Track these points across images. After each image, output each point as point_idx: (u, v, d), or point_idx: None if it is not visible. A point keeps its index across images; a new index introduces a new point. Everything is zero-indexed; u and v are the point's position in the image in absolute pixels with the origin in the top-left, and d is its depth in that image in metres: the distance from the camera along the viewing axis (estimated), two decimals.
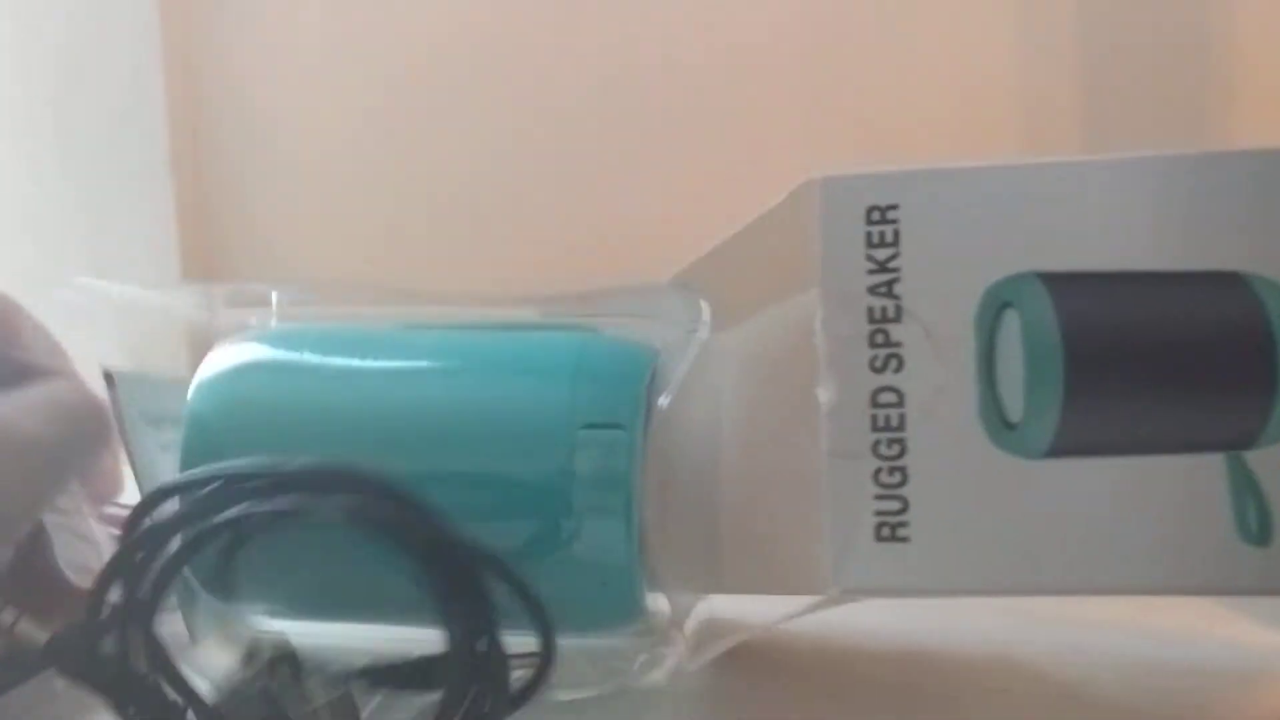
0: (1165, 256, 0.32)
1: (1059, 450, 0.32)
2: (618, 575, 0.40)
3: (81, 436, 0.42)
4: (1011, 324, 0.33)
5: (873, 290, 0.33)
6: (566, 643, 0.43)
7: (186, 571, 0.42)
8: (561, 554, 0.40)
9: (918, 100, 0.79)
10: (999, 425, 0.33)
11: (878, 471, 0.33)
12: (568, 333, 0.44)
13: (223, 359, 0.44)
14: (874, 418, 0.33)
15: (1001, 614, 0.54)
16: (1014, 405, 0.33)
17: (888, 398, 0.33)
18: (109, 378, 0.42)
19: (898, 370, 0.33)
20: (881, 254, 0.33)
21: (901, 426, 0.33)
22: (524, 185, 0.87)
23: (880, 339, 0.33)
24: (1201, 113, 0.75)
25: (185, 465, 0.42)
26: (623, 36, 0.84)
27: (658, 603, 0.43)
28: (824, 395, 0.33)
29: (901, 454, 0.33)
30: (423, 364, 0.43)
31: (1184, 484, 0.32)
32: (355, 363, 0.44)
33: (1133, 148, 0.70)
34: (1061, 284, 0.32)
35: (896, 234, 0.33)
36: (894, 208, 0.33)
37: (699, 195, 0.83)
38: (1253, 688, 0.47)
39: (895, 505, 0.33)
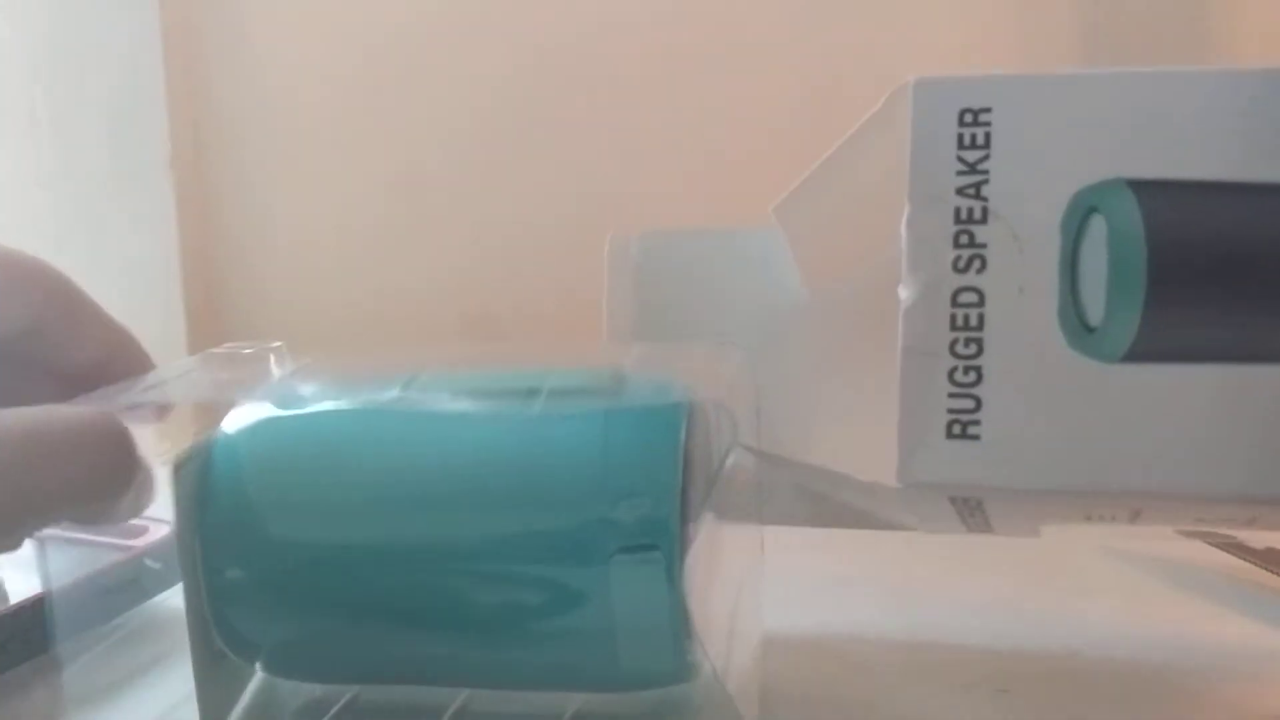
0: (1254, 168, 0.33)
1: (1136, 355, 0.33)
2: (660, 639, 0.40)
3: (70, 478, 0.36)
4: (1098, 229, 0.33)
5: (960, 191, 0.34)
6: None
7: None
8: (603, 625, 0.39)
9: None
10: (1078, 329, 0.33)
11: (953, 370, 0.33)
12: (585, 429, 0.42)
13: (241, 418, 0.44)
14: (953, 317, 0.33)
15: (1003, 611, 0.55)
16: (1095, 310, 0.33)
17: (968, 298, 0.33)
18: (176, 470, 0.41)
19: (980, 271, 0.33)
20: (971, 156, 0.34)
21: (980, 326, 0.33)
22: (523, 182, 0.87)
23: (965, 240, 0.33)
24: None
25: (211, 533, 0.41)
26: (620, 25, 0.85)
27: (704, 657, 0.42)
28: (904, 293, 0.34)
29: (978, 353, 0.33)
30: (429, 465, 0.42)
31: (1264, 394, 0.32)
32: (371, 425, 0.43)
33: None
34: (1149, 192, 0.33)
35: (988, 136, 0.34)
36: (987, 111, 0.34)
37: (702, 187, 0.83)
38: (1253, 688, 0.47)
39: (969, 404, 0.33)
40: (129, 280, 0.91)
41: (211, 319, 0.93)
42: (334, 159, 0.91)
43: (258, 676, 0.46)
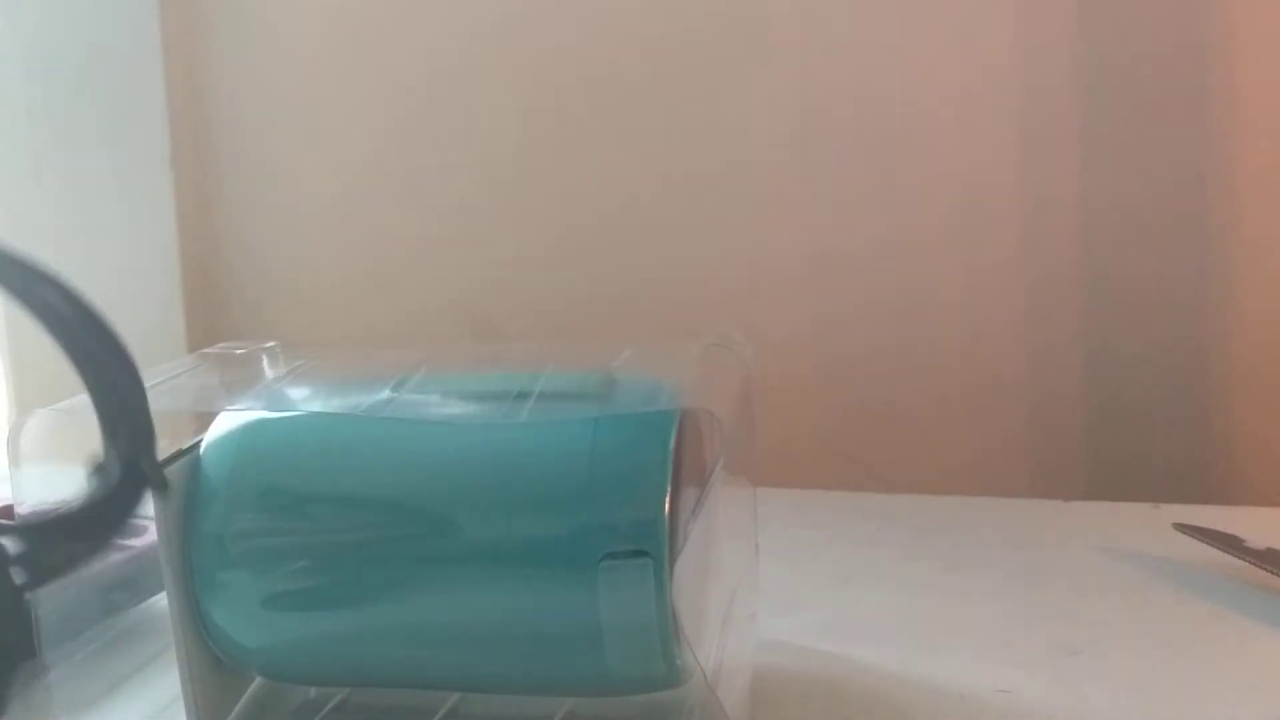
0: None
1: None
2: (651, 647, 0.39)
3: None
4: None
5: None
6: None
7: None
8: (591, 630, 0.39)
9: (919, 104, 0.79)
10: None
11: None
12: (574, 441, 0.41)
13: (230, 424, 0.43)
14: None
15: (1003, 611, 0.55)
16: None
17: None
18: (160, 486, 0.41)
19: None
20: None
21: None
22: (524, 182, 0.87)
23: None
24: (1202, 114, 0.76)
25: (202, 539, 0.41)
26: (622, 34, 0.85)
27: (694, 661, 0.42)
28: None
29: None
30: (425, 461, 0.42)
31: None
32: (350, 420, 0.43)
33: (1131, 147, 0.72)
34: None
35: None
36: None
37: (696, 185, 0.83)
38: (1253, 688, 0.47)
39: None
40: (129, 279, 0.91)
41: (211, 318, 0.92)
42: (334, 159, 0.91)
43: (256, 680, 0.46)
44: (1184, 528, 0.59)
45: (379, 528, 0.41)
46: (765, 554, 0.52)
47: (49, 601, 0.43)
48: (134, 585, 0.52)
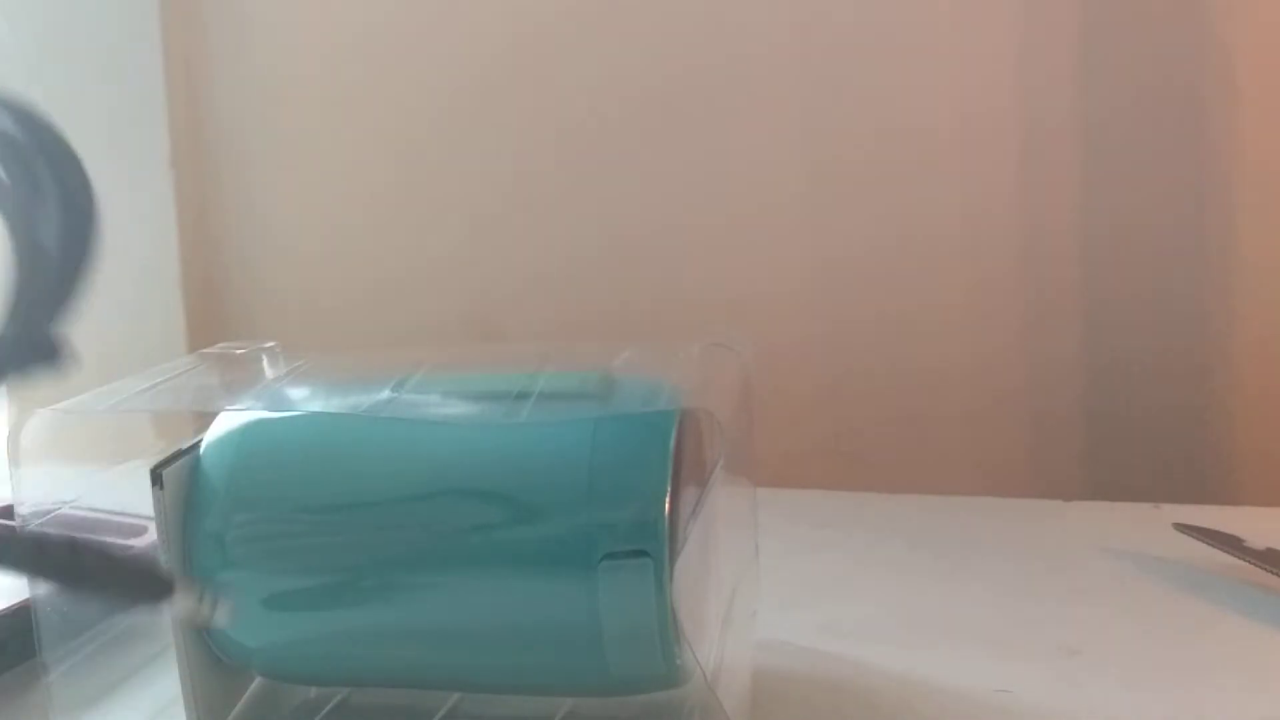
0: None
1: None
2: (651, 647, 0.39)
3: None
4: None
5: None
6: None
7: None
8: (591, 630, 0.39)
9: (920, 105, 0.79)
10: None
11: None
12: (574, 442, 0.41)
13: (230, 424, 0.44)
14: None
15: (1003, 611, 0.55)
16: None
17: None
18: (157, 478, 0.41)
19: None
20: None
21: None
22: (523, 182, 0.87)
23: None
24: (1201, 128, 0.75)
25: (202, 539, 0.41)
26: (615, 24, 0.85)
27: (694, 661, 0.42)
28: None
29: None
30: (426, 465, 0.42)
31: None
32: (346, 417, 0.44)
33: (1132, 152, 0.72)
34: None
35: None
36: None
37: (701, 197, 0.83)
38: (1253, 687, 0.47)
39: None
40: (129, 280, 0.91)
41: (211, 318, 0.92)
42: (333, 159, 0.91)
43: (256, 680, 0.46)
44: (1184, 528, 0.59)
45: (379, 527, 0.41)
46: (765, 554, 0.52)
47: (49, 601, 0.43)
48: None
